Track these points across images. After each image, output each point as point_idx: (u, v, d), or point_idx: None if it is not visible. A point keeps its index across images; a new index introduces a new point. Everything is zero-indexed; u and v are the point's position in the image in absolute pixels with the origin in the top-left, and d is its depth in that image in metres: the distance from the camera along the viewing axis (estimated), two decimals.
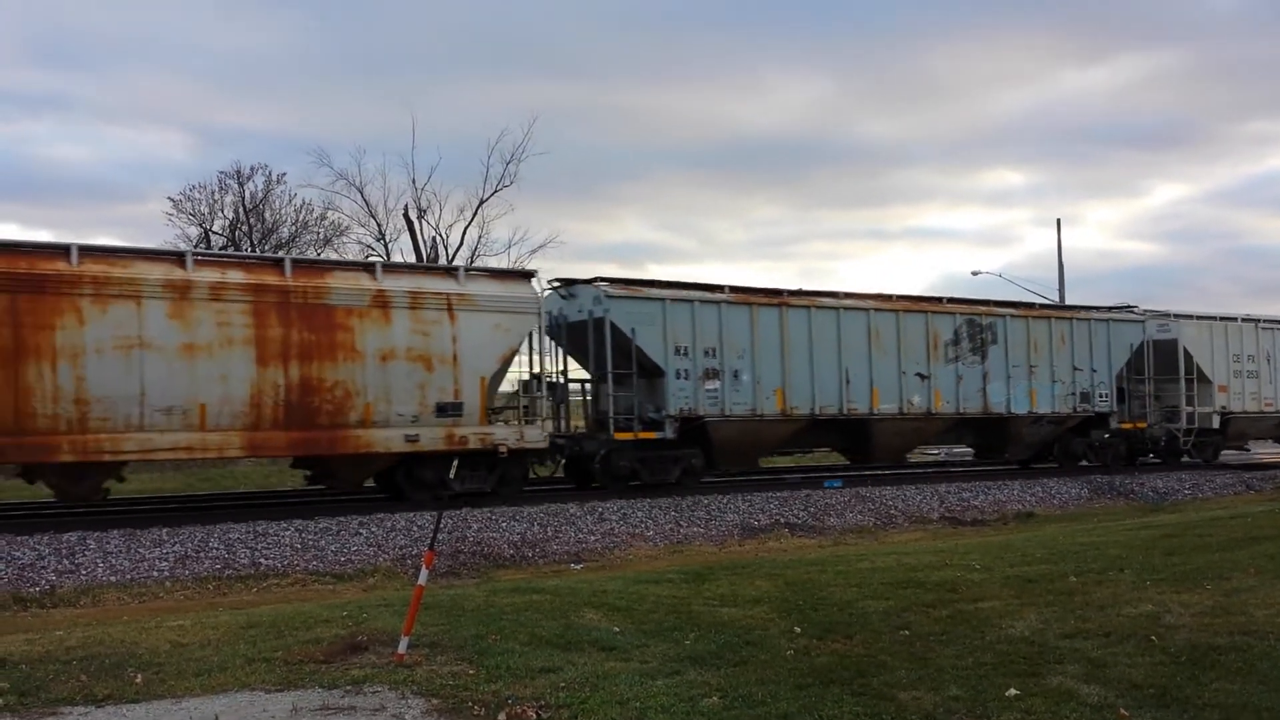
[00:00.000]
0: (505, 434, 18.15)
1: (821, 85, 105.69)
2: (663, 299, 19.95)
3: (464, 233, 42.03)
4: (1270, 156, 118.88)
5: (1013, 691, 6.26)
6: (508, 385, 19.78)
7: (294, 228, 43.50)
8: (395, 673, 6.77)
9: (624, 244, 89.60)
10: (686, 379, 19.90)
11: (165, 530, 14.90)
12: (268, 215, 43.45)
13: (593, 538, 16.82)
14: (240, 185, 42.50)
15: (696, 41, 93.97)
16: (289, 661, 7.09)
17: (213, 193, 42.34)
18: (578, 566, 14.98)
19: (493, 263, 40.78)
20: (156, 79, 70.09)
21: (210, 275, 15.99)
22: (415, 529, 15.88)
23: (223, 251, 17.05)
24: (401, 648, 7.14)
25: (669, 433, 19.77)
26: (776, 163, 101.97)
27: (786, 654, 7.26)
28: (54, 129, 71.73)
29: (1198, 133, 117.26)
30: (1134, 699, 6.17)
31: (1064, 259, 52.92)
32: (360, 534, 15.55)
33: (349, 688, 6.48)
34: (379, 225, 41.68)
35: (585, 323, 19.86)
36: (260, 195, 43.02)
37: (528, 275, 19.79)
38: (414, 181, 41.52)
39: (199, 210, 42.05)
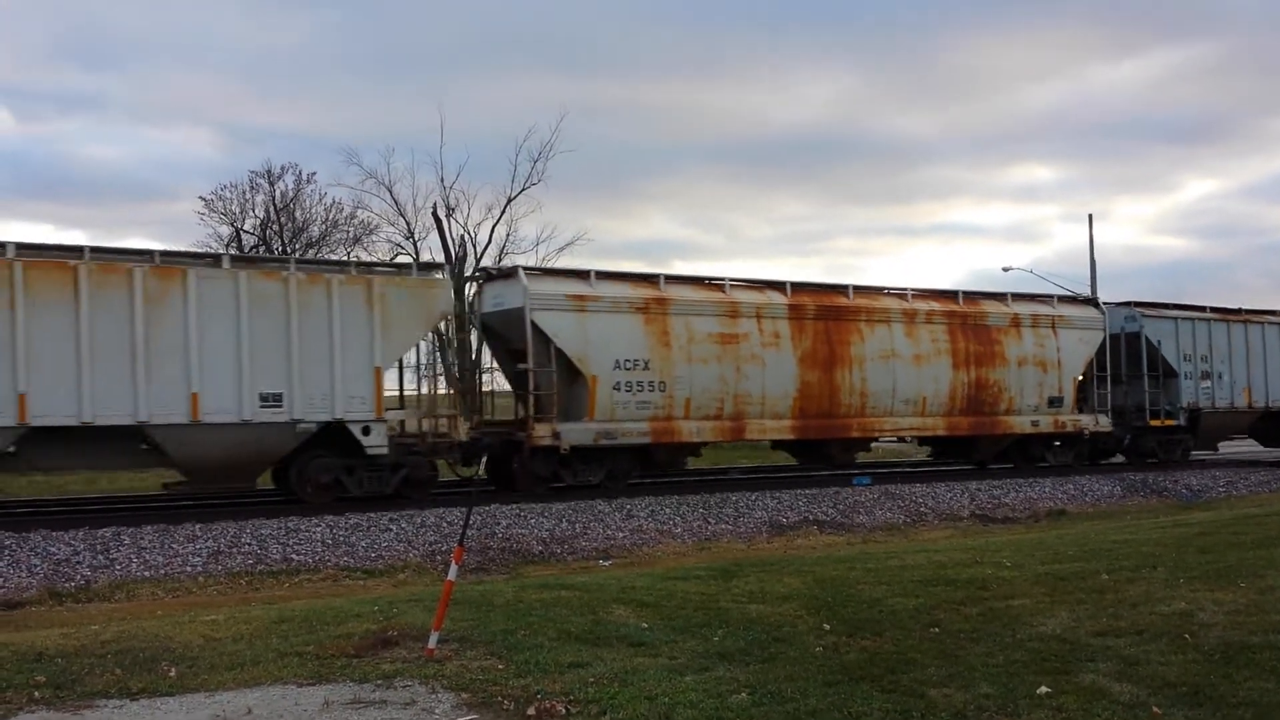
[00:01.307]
0: (1086, 421, 24.60)
1: (848, 80, 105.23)
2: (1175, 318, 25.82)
3: (492, 230, 42.24)
4: None
5: (1044, 689, 6.22)
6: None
7: (324, 226, 43.92)
8: (425, 667, 6.81)
9: (651, 240, 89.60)
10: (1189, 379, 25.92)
11: (198, 526, 15.07)
12: (298, 214, 43.88)
13: (621, 534, 16.85)
14: (271, 184, 42.95)
15: (723, 37, 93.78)
16: (320, 656, 7.15)
17: (244, 192, 42.83)
18: (606, 563, 15.02)
19: (520, 260, 40.92)
20: (187, 78, 70.84)
21: (922, 306, 22.79)
22: (445, 525, 15.97)
23: (920, 288, 23.68)
24: (431, 642, 7.18)
25: (1181, 420, 25.68)
26: (803, 158, 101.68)
27: (815, 651, 7.24)
28: (86, 128, 72.75)
29: (1230, 127, 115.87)
30: (1166, 697, 6.11)
31: (1094, 254, 52.32)
32: (390, 530, 15.66)
33: (380, 682, 6.53)
34: (408, 224, 42.01)
35: (1118, 335, 25.45)
36: (291, 194, 43.46)
37: (1095, 302, 26.65)
38: (442, 180, 41.88)
39: (230, 209, 42.53)
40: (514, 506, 17.40)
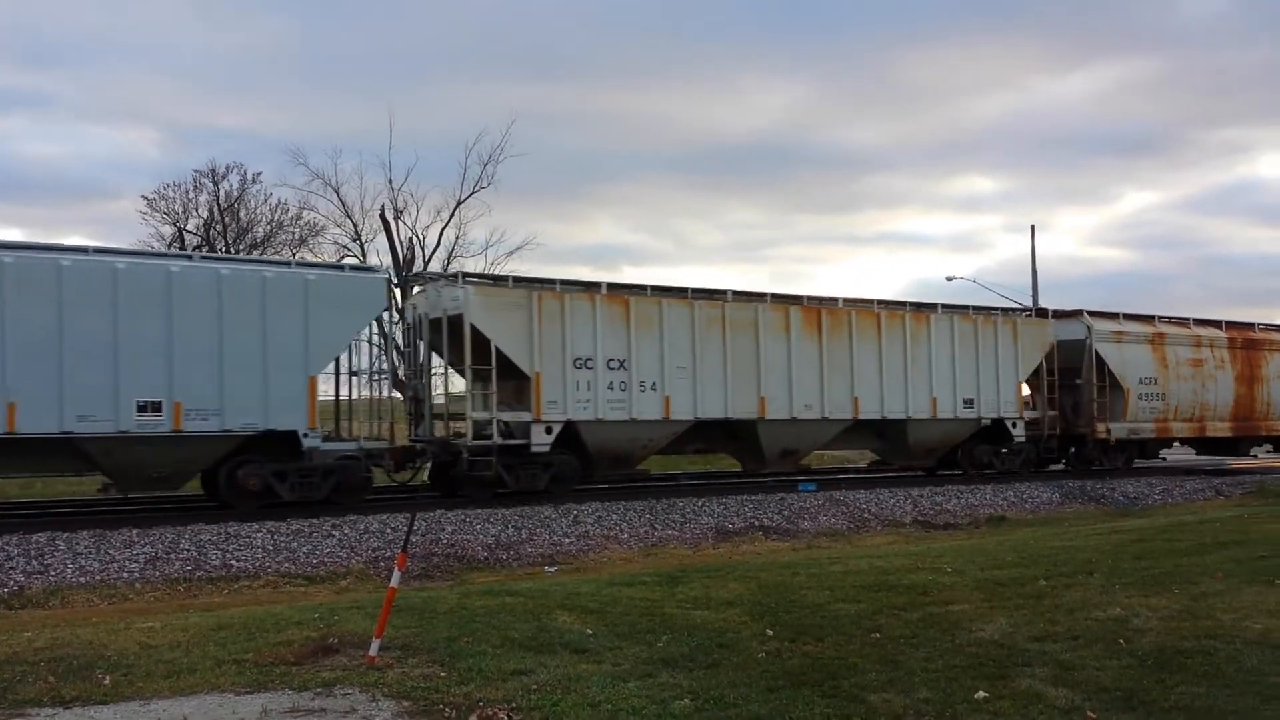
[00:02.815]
0: None
1: (798, 90, 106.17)
2: None
3: (440, 233, 42.01)
4: (1239, 165, 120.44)
5: (982, 694, 6.31)
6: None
7: (269, 227, 43.35)
8: (366, 675, 6.75)
9: (600, 246, 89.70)
10: None
11: (136, 531, 14.79)
12: (242, 215, 43.25)
13: (567, 540, 16.82)
14: (215, 184, 42.29)
15: (674, 46, 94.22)
16: (259, 664, 7.05)
17: (187, 191, 42.14)
18: (552, 569, 14.97)
19: (469, 265, 40.75)
20: (132, 77, 69.72)
21: None
22: (389, 531, 15.83)
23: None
24: (373, 650, 7.12)
25: None
26: (753, 166, 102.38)
27: (759, 656, 7.28)
28: (28, 126, 71.18)
29: (1170, 141, 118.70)
30: (1101, 701, 6.22)
31: (1036, 265, 53.25)
32: (333, 536, 15.49)
33: (319, 690, 6.46)
34: (355, 226, 41.63)
35: None
36: (235, 194, 42.83)
37: None
38: (391, 182, 41.48)
39: (173, 209, 41.82)
40: (459, 512, 17.30)
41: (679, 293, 21.04)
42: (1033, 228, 55.12)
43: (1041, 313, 27.46)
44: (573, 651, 7.38)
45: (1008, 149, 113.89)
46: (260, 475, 16.69)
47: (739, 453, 23.15)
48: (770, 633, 8.03)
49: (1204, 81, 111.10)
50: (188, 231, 41.80)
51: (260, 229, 43.25)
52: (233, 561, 14.26)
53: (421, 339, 19.69)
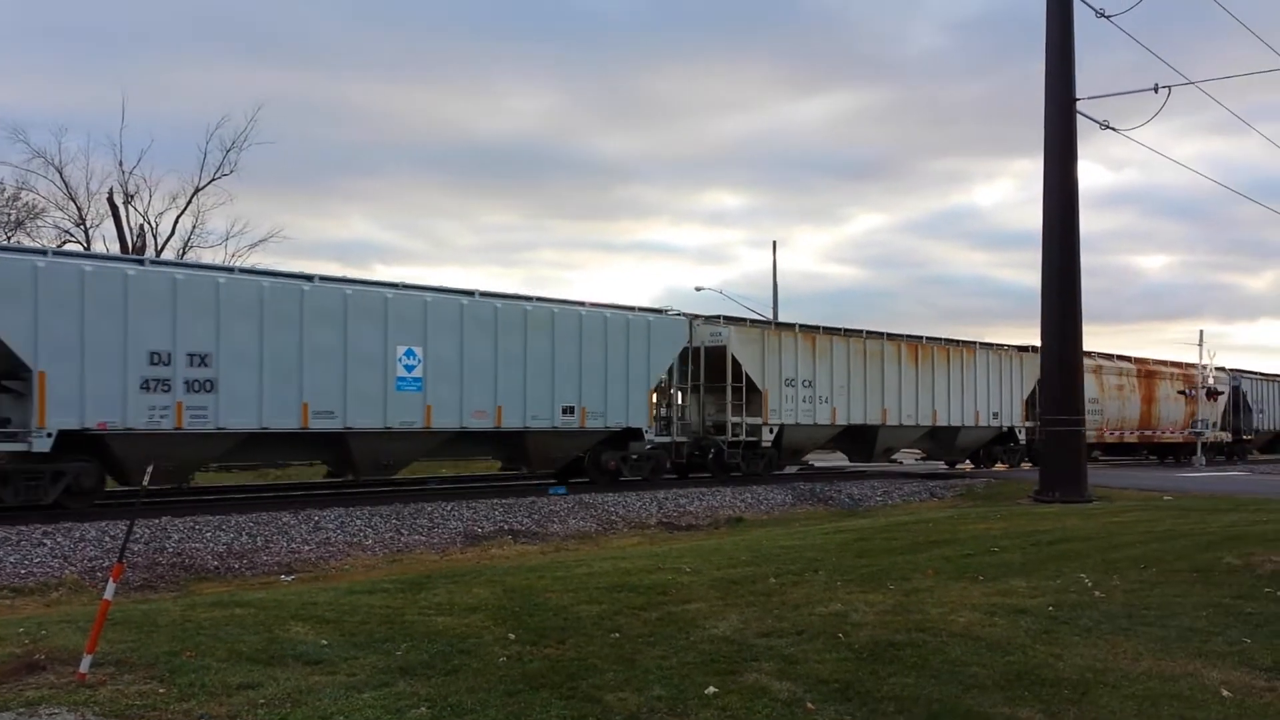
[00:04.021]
0: None
1: (556, 96, 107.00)
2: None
3: (175, 221, 39.65)
4: (955, 193, 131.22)
5: (712, 689, 6.55)
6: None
7: None
8: (76, 693, 6.26)
9: (351, 242, 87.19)
10: None
11: None
12: None
13: (307, 548, 16.24)
14: None
15: (429, 42, 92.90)
16: None
17: None
18: (288, 578, 14.41)
19: (207, 256, 38.67)
20: None
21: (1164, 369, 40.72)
22: (108, 539, 14.79)
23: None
24: (84, 666, 6.61)
25: None
26: (509, 169, 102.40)
27: (499, 661, 7.27)
28: None
29: (896, 167, 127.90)
30: (820, 693, 6.59)
31: (777, 279, 56.02)
32: (44, 544, 14.31)
33: (22, 710, 5.94)
34: (79, 209, 38.69)
35: None
36: None
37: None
38: (121, 164, 38.79)
39: None
40: (188, 519, 16.38)
41: (841, 331, 29.00)
42: (774, 244, 57.98)
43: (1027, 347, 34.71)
44: (305, 663, 7.12)
45: (752, 167, 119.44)
46: (616, 459, 23.90)
47: (855, 449, 30.90)
48: (512, 637, 8.04)
49: (927, 113, 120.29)
50: None
51: None
52: None
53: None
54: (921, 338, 31.24)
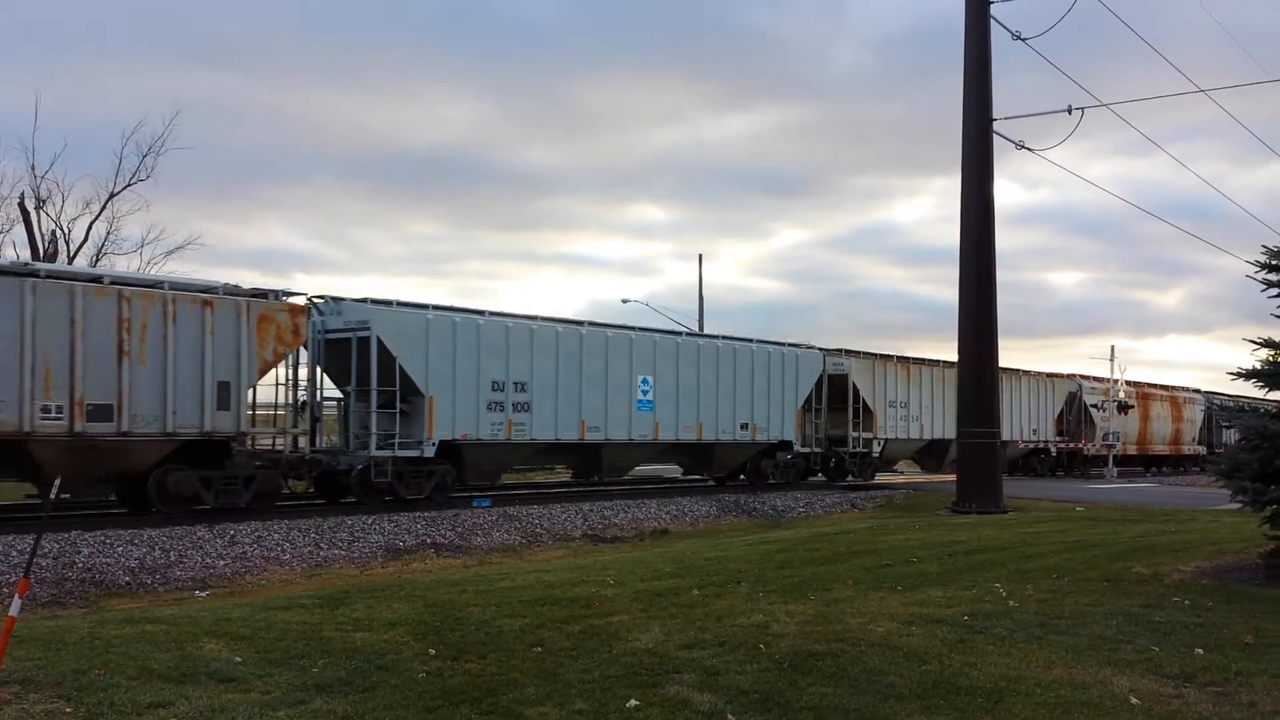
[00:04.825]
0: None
1: (481, 106, 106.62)
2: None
3: (89, 227, 38.58)
4: (875, 210, 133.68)
5: (633, 702, 6.54)
6: None
7: None
8: None
9: (270, 251, 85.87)
10: None
11: None
12: None
13: (222, 562, 15.89)
14: None
15: (356, 49, 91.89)
16: None
17: None
18: (203, 594, 14.08)
19: (120, 264, 37.75)
20: None
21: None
22: (14, 554, 14.33)
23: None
24: None
25: None
26: (434, 179, 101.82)
27: (419, 676, 7.18)
28: None
29: (818, 184, 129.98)
30: (741, 704, 6.62)
31: (703, 291, 56.65)
32: None
33: None
34: None
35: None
36: None
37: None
38: (34, 168, 37.60)
39: None
40: (99, 533, 15.92)
41: (926, 361, 35.16)
42: (700, 257, 58.50)
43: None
44: (219, 681, 6.96)
45: (678, 181, 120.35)
46: (770, 465, 29.74)
47: (928, 463, 36.69)
48: (433, 652, 7.94)
49: (849, 131, 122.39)
50: None
51: None
52: None
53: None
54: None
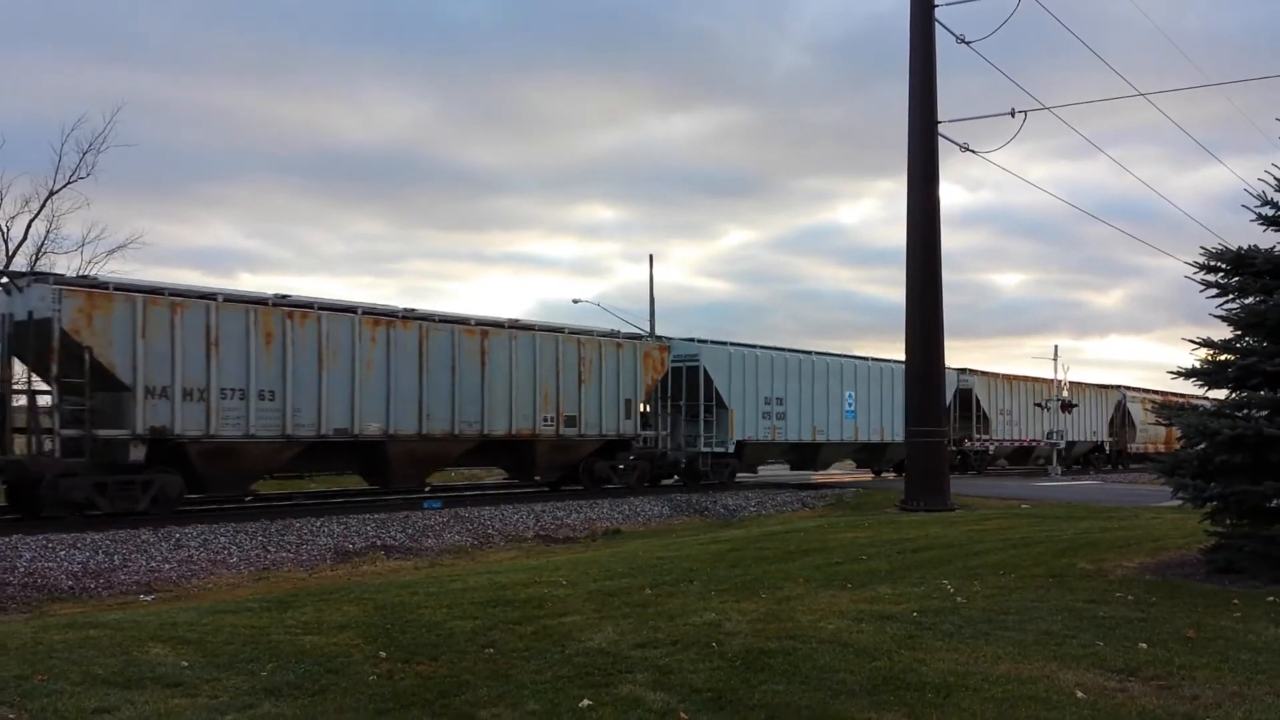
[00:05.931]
0: None
1: (425, 105, 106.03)
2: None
3: (28, 226, 37.87)
4: (821, 211, 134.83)
5: (586, 702, 6.54)
6: None
7: None
8: None
9: (213, 250, 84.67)
10: None
11: None
12: None
13: (168, 566, 15.65)
14: None
15: (297, 48, 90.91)
16: None
17: None
18: (148, 598, 13.86)
19: (61, 263, 37.07)
20: None
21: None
22: None
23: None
24: None
25: None
26: (378, 178, 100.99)
27: (369, 680, 7.13)
28: None
29: (763, 185, 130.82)
30: (694, 703, 6.65)
31: (654, 291, 56.69)
32: None
33: None
34: None
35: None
36: None
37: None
38: None
39: None
40: (40, 537, 15.62)
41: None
42: (651, 257, 58.68)
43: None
44: (165, 685, 6.85)
45: (625, 182, 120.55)
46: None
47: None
48: (383, 655, 7.89)
49: (793, 132, 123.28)
50: None
51: None
52: None
53: None
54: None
